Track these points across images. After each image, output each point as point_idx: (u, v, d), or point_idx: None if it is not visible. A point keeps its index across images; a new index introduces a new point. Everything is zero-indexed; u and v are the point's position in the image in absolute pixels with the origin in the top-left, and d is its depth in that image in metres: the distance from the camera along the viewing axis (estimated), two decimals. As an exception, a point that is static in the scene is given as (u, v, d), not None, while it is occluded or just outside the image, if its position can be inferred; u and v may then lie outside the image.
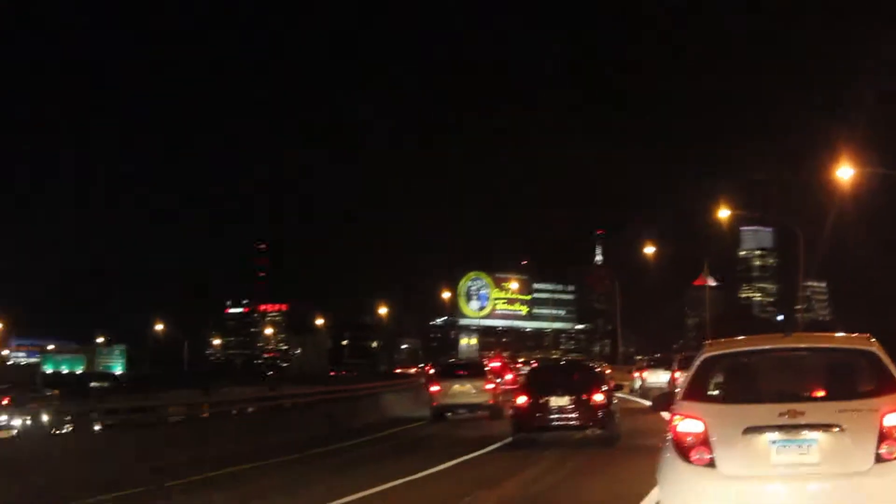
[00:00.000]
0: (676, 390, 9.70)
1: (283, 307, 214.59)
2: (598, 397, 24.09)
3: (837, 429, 8.35)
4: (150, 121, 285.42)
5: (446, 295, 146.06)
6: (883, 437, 8.32)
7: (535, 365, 45.07)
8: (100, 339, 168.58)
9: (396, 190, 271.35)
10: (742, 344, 9.69)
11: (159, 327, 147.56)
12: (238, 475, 20.71)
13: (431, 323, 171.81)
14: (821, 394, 9.01)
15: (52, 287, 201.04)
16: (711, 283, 76.18)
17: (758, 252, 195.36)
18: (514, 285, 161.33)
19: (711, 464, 8.53)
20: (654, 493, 11.09)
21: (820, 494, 8.34)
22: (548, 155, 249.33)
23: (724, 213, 57.31)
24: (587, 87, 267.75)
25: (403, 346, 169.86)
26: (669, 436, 8.89)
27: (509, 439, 25.09)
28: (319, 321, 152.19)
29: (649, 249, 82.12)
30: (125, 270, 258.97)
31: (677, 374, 34.44)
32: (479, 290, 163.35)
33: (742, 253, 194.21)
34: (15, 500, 17.14)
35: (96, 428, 24.52)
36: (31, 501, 17.12)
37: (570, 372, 28.30)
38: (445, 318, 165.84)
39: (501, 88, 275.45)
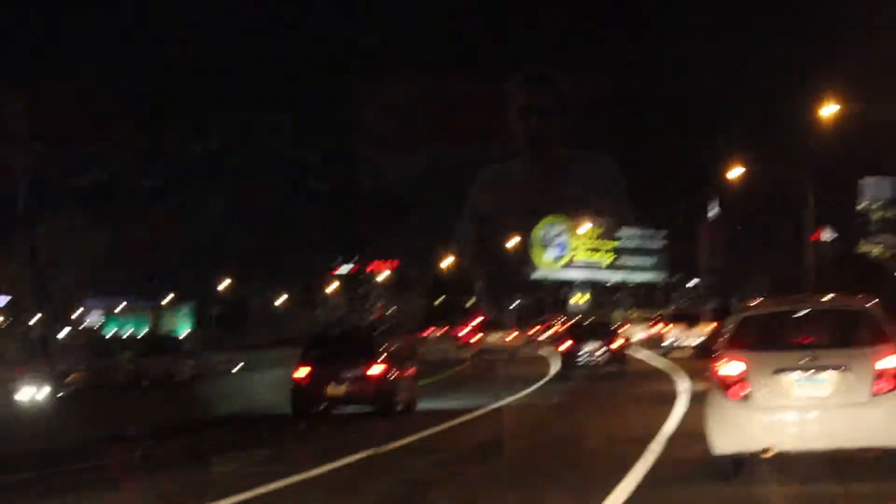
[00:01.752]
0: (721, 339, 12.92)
1: (395, 264, 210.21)
2: (615, 345, 38.01)
3: (843, 368, 11.59)
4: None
5: (515, 243, 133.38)
6: (877, 377, 11.56)
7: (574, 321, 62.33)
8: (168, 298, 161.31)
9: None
10: (772, 305, 13.79)
11: (225, 284, 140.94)
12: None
13: (534, 278, 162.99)
14: (831, 343, 12.23)
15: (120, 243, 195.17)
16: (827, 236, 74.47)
17: (876, 205, 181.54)
18: (586, 226, 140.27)
19: (747, 397, 11.81)
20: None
21: (828, 419, 11.66)
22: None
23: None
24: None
25: (513, 306, 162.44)
26: (713, 378, 12.20)
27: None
28: (383, 275, 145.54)
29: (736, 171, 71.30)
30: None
31: (662, 328, 52.74)
32: (556, 236, 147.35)
33: (860, 206, 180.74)
34: None
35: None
36: None
37: (597, 326, 41.81)
38: (531, 271, 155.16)
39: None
